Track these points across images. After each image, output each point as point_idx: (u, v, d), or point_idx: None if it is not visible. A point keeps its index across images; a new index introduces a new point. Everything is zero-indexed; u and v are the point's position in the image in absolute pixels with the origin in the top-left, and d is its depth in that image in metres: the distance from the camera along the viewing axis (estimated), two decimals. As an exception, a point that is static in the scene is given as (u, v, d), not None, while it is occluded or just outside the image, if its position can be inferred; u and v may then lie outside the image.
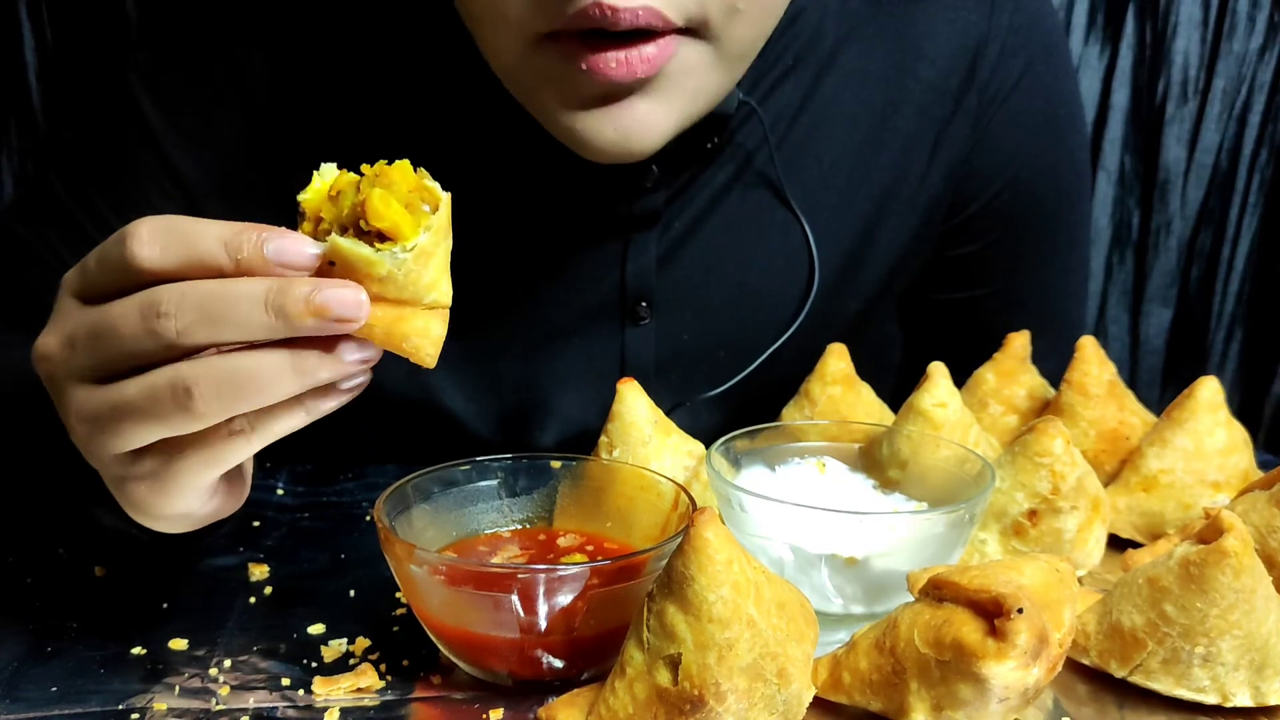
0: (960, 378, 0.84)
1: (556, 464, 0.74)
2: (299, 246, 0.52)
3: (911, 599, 0.61)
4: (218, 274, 0.52)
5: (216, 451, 0.54)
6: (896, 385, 1.06)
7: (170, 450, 0.55)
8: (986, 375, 0.93)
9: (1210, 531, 0.60)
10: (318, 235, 0.53)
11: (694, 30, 0.72)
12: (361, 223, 0.52)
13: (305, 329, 0.51)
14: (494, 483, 0.73)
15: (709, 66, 0.75)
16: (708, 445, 0.77)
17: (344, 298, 0.52)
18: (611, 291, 0.93)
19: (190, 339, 0.51)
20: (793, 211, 0.94)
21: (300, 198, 0.54)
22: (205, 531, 0.65)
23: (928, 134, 0.97)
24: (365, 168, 0.53)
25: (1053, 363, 0.94)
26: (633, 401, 0.78)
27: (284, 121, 0.89)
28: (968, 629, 0.55)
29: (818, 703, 0.61)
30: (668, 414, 0.81)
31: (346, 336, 0.53)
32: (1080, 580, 0.76)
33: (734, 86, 0.83)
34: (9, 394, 0.76)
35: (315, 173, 0.54)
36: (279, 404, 0.53)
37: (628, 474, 0.73)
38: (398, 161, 0.53)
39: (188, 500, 0.57)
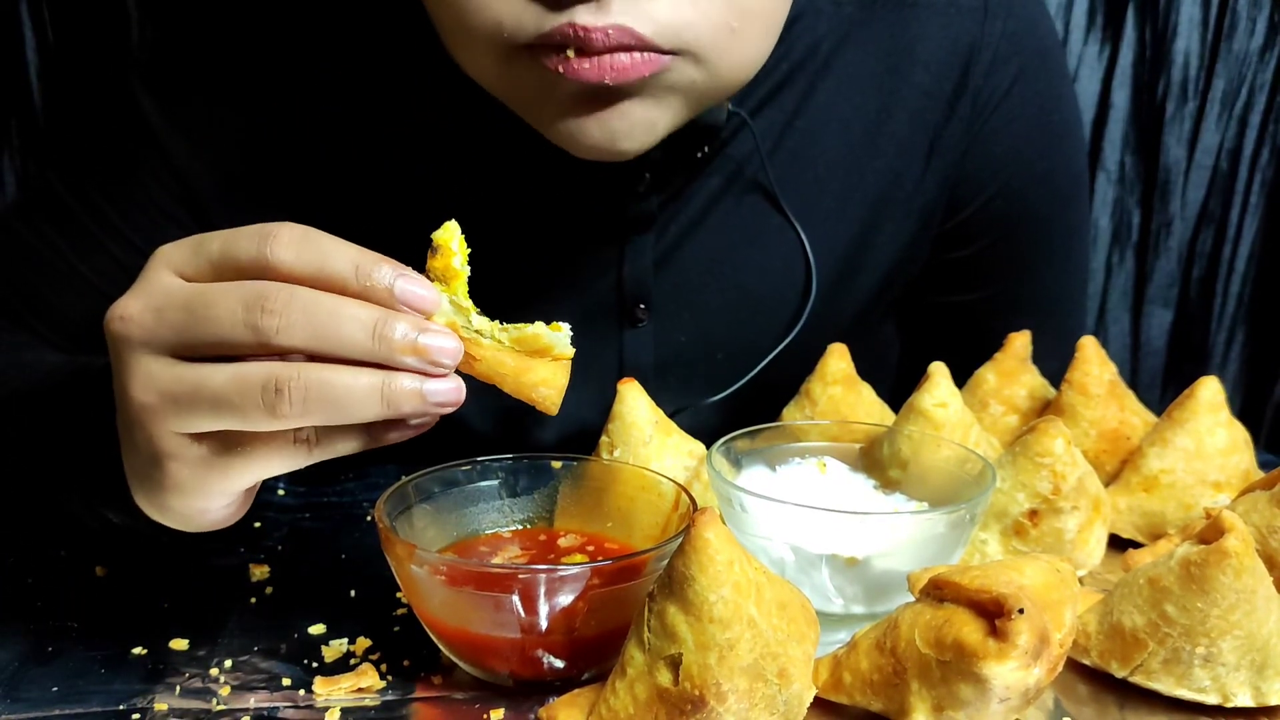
0: (958, 380, 0.84)
1: (557, 464, 0.74)
2: (426, 292, 0.55)
3: (912, 599, 0.61)
4: (340, 292, 0.54)
5: (275, 454, 0.55)
6: (895, 387, 1.06)
7: (231, 441, 0.55)
8: (987, 375, 0.93)
9: (1211, 532, 0.60)
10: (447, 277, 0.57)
11: (685, 53, 0.71)
12: None
13: (403, 364, 0.54)
14: (495, 483, 0.73)
15: (704, 84, 0.74)
16: (707, 445, 0.76)
17: (444, 345, 0.55)
18: (609, 294, 0.93)
19: (287, 340, 0.52)
20: (787, 217, 0.94)
21: (435, 236, 0.57)
22: (201, 536, 0.65)
23: (922, 138, 0.96)
24: None
25: (1050, 365, 0.94)
26: (633, 402, 0.78)
27: (285, 123, 0.89)
28: (969, 629, 0.55)
29: (818, 703, 0.61)
30: (669, 418, 0.81)
31: (435, 378, 0.55)
32: (1081, 580, 0.76)
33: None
34: (21, 392, 0.76)
35: (446, 224, 0.58)
36: (349, 425, 0.55)
37: (628, 474, 0.73)
38: None
39: (226, 492, 0.57)
